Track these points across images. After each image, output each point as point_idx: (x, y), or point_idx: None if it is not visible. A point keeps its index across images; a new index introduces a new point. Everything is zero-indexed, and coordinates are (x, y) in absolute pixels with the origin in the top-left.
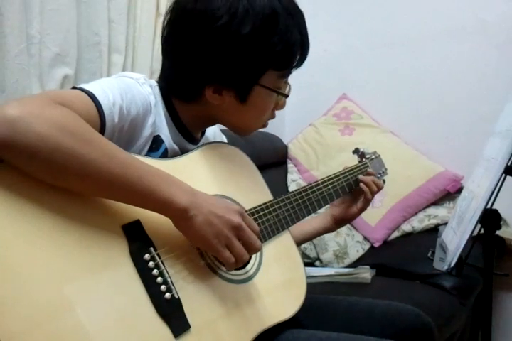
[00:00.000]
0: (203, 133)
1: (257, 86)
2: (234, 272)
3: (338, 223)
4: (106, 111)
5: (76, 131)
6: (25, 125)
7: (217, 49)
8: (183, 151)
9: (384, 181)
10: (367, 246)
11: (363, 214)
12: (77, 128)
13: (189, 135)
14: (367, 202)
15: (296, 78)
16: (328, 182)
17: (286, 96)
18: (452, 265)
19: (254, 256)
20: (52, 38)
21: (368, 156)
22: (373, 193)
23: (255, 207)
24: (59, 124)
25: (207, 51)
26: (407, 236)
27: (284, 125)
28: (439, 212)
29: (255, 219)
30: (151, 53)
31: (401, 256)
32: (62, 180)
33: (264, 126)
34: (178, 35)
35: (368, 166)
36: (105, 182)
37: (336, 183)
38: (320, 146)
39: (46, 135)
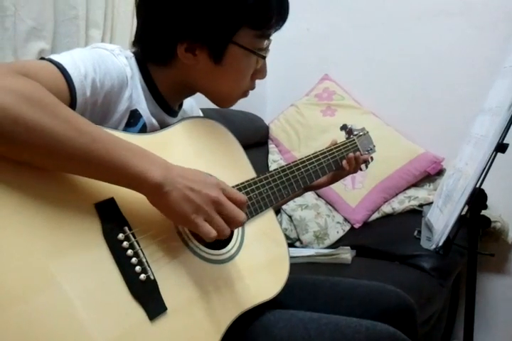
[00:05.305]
0: (181, 106)
1: (232, 44)
2: (214, 252)
3: (306, 188)
4: (76, 84)
5: (39, 102)
6: None
7: (188, 1)
8: (162, 125)
9: (372, 158)
10: (347, 227)
11: (344, 196)
12: (40, 99)
13: (167, 107)
14: (341, 177)
15: (278, 57)
16: (314, 159)
17: (263, 57)
18: (440, 244)
19: (235, 235)
20: (27, 11)
21: (355, 133)
22: (351, 172)
23: (237, 185)
24: (20, 95)
25: (177, 3)
26: (387, 217)
27: (266, 105)
28: (419, 194)
29: None
30: (130, 28)
31: (381, 237)
32: (26, 155)
33: (245, 95)
34: None
35: (355, 143)
36: (72, 157)
37: (322, 161)
38: (301, 127)
39: (6, 106)
